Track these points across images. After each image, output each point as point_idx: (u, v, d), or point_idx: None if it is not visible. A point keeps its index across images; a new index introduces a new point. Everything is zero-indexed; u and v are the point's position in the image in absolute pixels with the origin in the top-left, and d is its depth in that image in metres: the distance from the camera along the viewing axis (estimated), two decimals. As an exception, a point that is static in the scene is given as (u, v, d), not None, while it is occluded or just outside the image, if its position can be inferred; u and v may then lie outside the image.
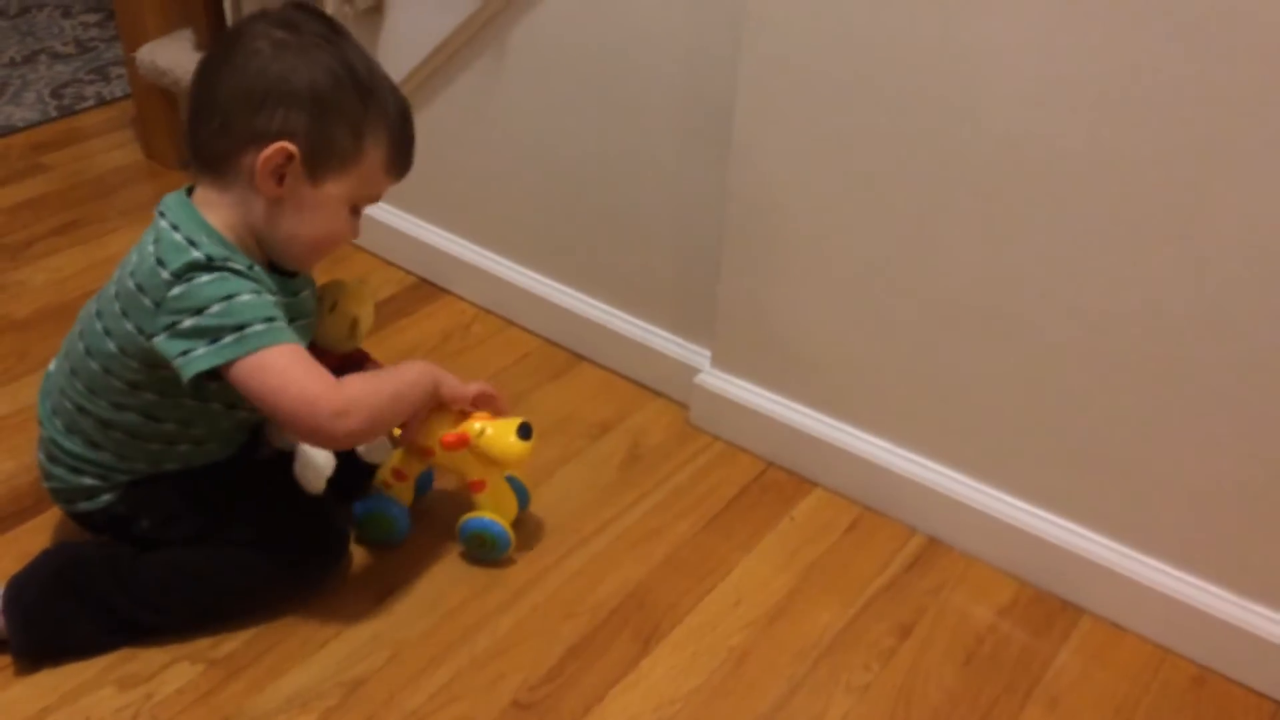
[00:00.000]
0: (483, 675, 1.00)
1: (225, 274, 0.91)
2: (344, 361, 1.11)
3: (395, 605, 1.06)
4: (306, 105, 0.91)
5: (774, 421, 1.23)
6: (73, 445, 1.00)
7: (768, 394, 1.24)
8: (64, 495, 1.02)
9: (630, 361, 1.36)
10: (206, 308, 0.89)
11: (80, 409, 0.99)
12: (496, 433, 1.05)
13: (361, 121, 0.94)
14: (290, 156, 0.91)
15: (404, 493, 1.12)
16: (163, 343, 0.90)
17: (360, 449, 1.07)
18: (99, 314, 0.97)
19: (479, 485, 1.08)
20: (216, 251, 0.91)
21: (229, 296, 0.89)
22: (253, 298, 0.90)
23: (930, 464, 1.16)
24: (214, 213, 0.94)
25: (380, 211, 1.54)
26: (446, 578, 1.09)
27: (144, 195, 1.69)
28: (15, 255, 1.53)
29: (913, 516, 1.18)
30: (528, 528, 1.15)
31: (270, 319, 0.90)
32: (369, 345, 1.16)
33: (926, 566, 1.14)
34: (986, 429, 1.10)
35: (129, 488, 1.01)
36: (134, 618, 0.99)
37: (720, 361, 1.27)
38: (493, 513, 1.08)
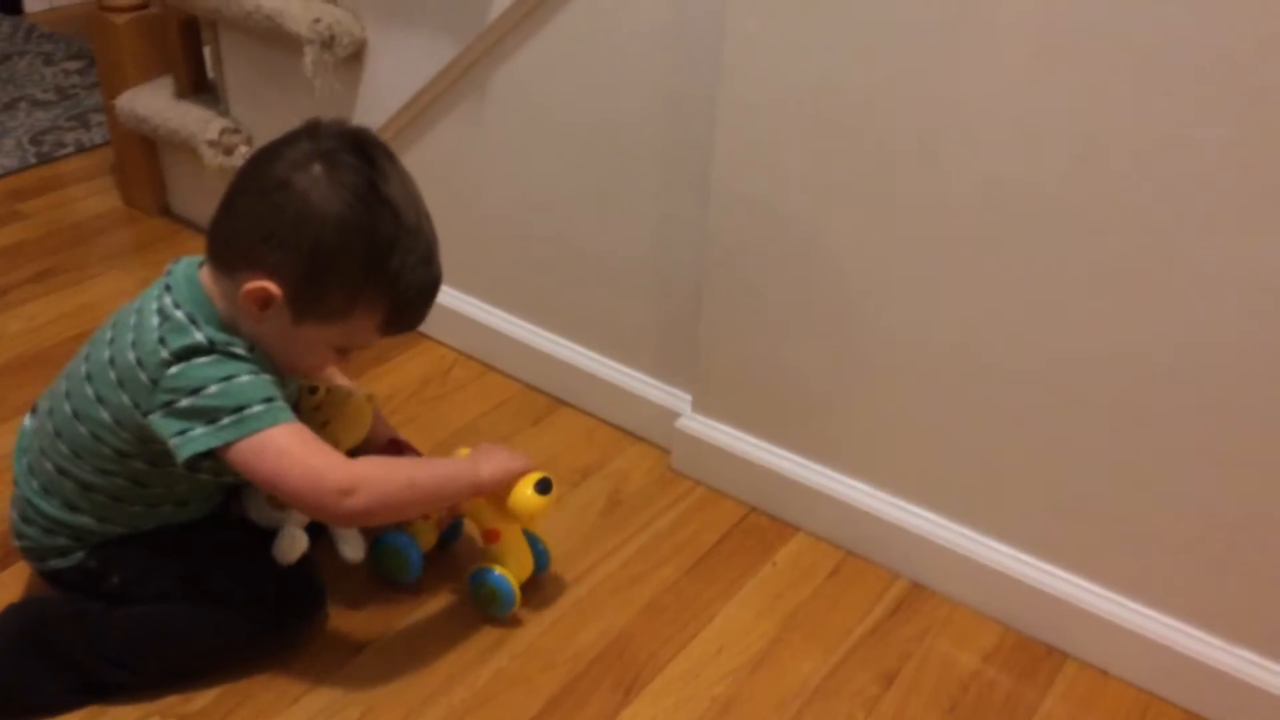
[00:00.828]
0: (460, 728, 0.99)
1: (224, 357, 0.90)
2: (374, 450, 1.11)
3: (370, 658, 1.04)
4: (304, 257, 0.88)
5: (756, 466, 1.22)
6: (49, 506, 0.98)
7: (749, 438, 1.23)
8: (35, 554, 1.01)
9: (611, 406, 1.35)
10: (204, 388, 0.88)
11: (61, 470, 0.97)
12: (514, 484, 1.03)
13: (359, 288, 0.90)
14: (272, 298, 0.89)
15: (425, 533, 1.10)
16: (158, 420, 0.89)
17: (338, 543, 1.06)
18: (89, 377, 0.95)
19: (493, 535, 1.06)
20: (218, 336, 0.91)
21: (227, 378, 0.89)
22: (251, 379, 0.90)
23: (913, 508, 1.15)
24: (217, 298, 0.93)
25: (360, 257, 1.53)
26: (423, 629, 1.08)
27: (122, 242, 1.69)
28: (-8, 304, 1.52)
29: (896, 561, 1.17)
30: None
31: (269, 399, 0.90)
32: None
33: (910, 612, 1.13)
34: (970, 473, 1.10)
35: (101, 545, 0.99)
36: (102, 676, 0.97)
37: (701, 406, 1.26)
38: (503, 567, 1.06)
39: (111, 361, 0.93)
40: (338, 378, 1.11)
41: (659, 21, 1.12)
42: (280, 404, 0.91)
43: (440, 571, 1.13)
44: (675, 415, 1.28)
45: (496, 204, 1.37)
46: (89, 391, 0.94)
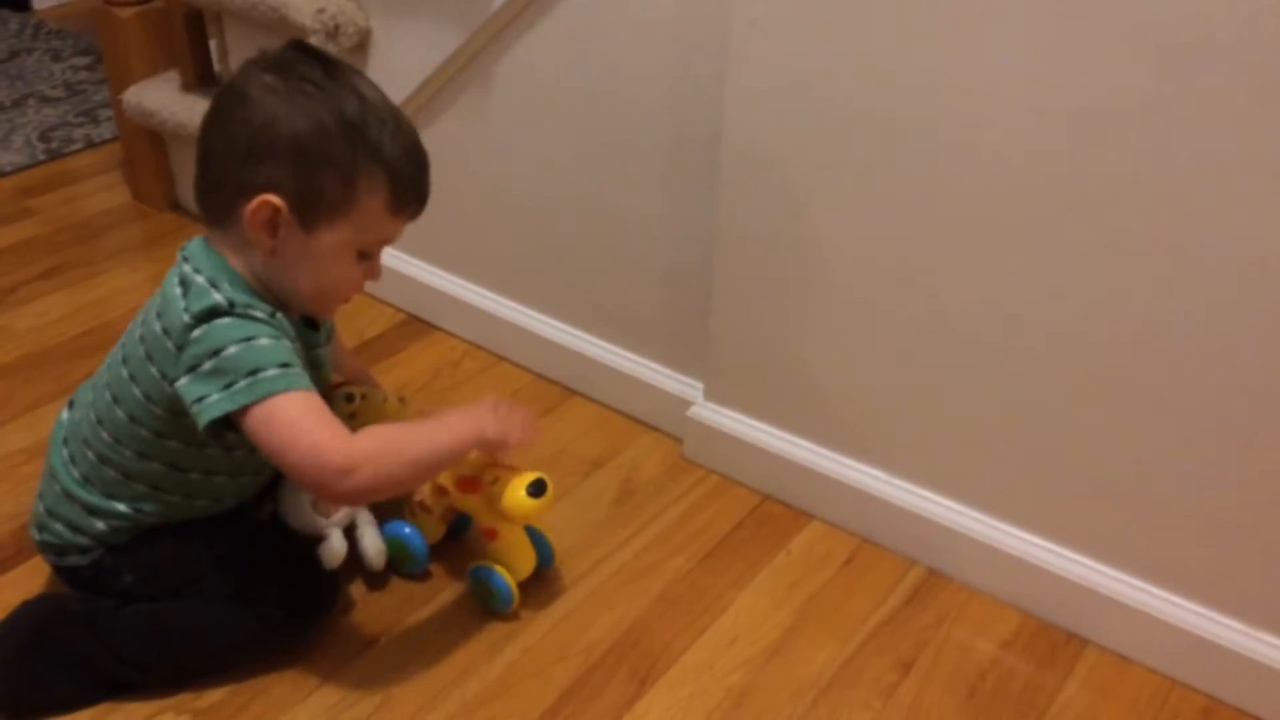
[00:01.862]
0: (474, 721, 0.98)
1: (245, 319, 0.89)
2: None
3: (383, 650, 1.04)
4: (289, 156, 0.88)
5: (769, 454, 1.21)
6: (88, 496, 0.98)
7: (762, 426, 1.22)
8: (55, 549, 1.00)
9: (622, 395, 1.34)
10: (223, 349, 0.88)
11: (103, 459, 0.97)
12: (507, 484, 1.01)
13: (352, 167, 0.89)
14: (276, 210, 0.89)
15: (430, 526, 1.10)
16: (184, 386, 0.89)
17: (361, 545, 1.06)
18: (125, 360, 0.95)
19: (490, 533, 1.05)
20: (239, 297, 0.90)
21: (247, 339, 0.88)
22: (270, 342, 0.89)
23: (929, 495, 1.14)
24: (231, 257, 0.93)
25: (368, 249, 1.52)
26: (436, 621, 1.07)
27: (132, 237, 1.68)
28: (2, 300, 1.51)
29: (912, 548, 1.16)
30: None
31: (285, 364, 0.89)
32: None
33: (927, 599, 1.12)
34: (986, 459, 1.08)
35: (120, 546, 0.99)
36: (115, 674, 0.97)
37: (713, 394, 1.25)
38: (502, 565, 1.05)
39: (141, 339, 0.93)
40: (366, 382, 1.11)
41: (665, 7, 1.11)
42: (296, 370, 0.89)
43: (452, 564, 1.13)
44: (687, 404, 1.27)
45: (505, 194, 1.36)
46: (124, 373, 0.95)
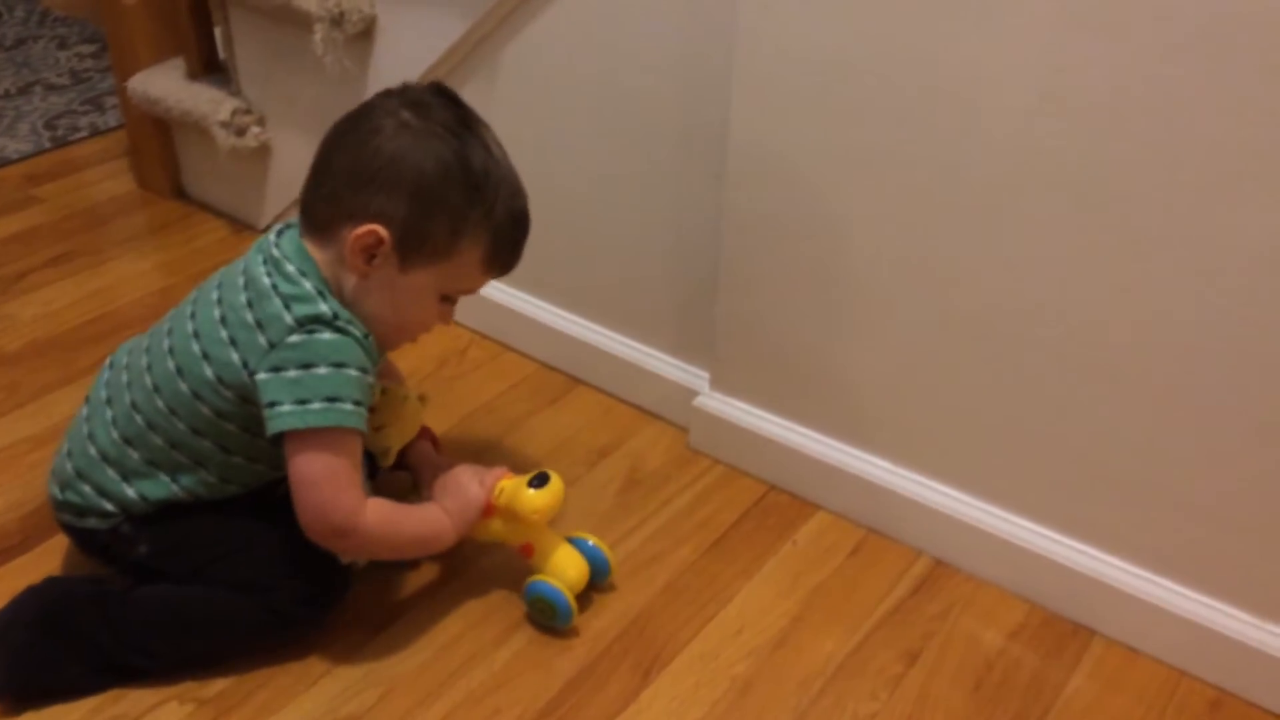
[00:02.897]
0: (479, 710, 0.98)
1: (347, 339, 0.91)
2: None
3: (389, 639, 1.04)
4: (408, 193, 0.90)
5: (775, 444, 1.21)
6: (126, 459, 0.98)
7: (768, 415, 1.22)
8: (75, 510, 1.00)
9: (628, 385, 1.34)
10: (315, 365, 0.90)
11: (152, 425, 0.97)
12: (512, 489, 1.02)
13: (462, 219, 0.93)
14: (380, 241, 0.91)
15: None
16: (264, 383, 0.91)
17: None
18: (196, 335, 0.95)
19: (527, 550, 1.04)
20: (341, 311, 0.93)
21: (340, 365, 0.91)
22: (357, 375, 0.92)
23: (935, 485, 1.13)
24: (323, 267, 0.95)
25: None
26: (440, 610, 1.07)
27: (138, 225, 1.68)
28: (6, 288, 1.51)
29: (918, 539, 1.15)
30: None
31: (359, 403, 0.91)
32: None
33: (933, 590, 1.11)
34: (993, 448, 1.08)
35: (141, 516, 0.99)
36: (121, 659, 0.97)
37: (719, 383, 1.24)
38: (551, 576, 1.03)
39: (223, 320, 0.94)
40: (392, 377, 1.12)
41: (672, -9, 1.10)
42: (363, 411, 0.92)
43: (457, 553, 1.12)
44: (693, 393, 1.27)
45: (510, 181, 1.35)
46: (195, 348, 0.95)
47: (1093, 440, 1.02)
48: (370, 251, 0.92)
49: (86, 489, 0.99)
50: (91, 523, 1.00)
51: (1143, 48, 0.85)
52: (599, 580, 1.07)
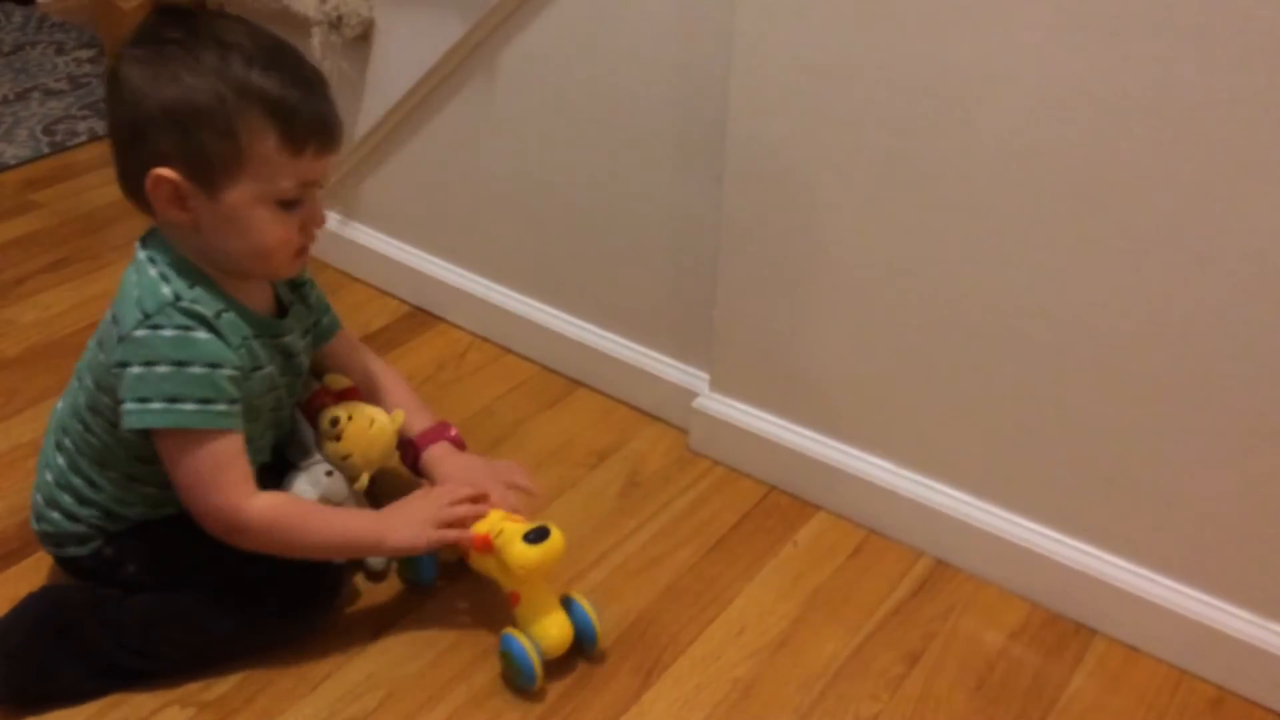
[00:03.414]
0: (480, 714, 0.98)
1: (189, 331, 0.88)
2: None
3: (390, 643, 1.04)
4: (164, 124, 0.86)
5: (775, 445, 1.21)
6: (78, 482, 0.98)
7: (768, 417, 1.22)
8: (54, 540, 1.01)
9: (628, 387, 1.34)
10: (156, 364, 0.88)
11: (78, 449, 0.97)
12: (509, 534, 0.96)
13: (224, 117, 0.86)
14: (170, 181, 0.87)
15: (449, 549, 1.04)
16: (116, 377, 0.90)
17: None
18: (92, 348, 0.96)
19: (514, 598, 0.98)
20: (187, 291, 0.90)
21: (180, 364, 0.88)
22: (201, 371, 0.88)
23: (936, 485, 1.13)
24: (179, 246, 0.92)
25: (372, 239, 1.52)
26: (442, 613, 1.07)
27: (136, 231, 1.64)
28: (5, 293, 1.51)
29: (919, 539, 1.15)
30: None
31: (206, 400, 0.89)
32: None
33: (934, 590, 1.11)
34: (993, 448, 1.08)
35: (119, 534, 0.99)
36: (121, 663, 0.97)
37: (719, 385, 1.24)
38: (524, 635, 0.97)
39: (100, 326, 0.94)
40: (362, 406, 1.09)
41: (670, -7, 1.10)
42: (219, 409, 0.89)
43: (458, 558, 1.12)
44: (693, 395, 1.27)
45: (509, 185, 1.35)
46: (87, 359, 0.96)
47: (1093, 440, 1.02)
48: (175, 197, 0.88)
49: (56, 516, 0.99)
50: (72, 550, 1.00)
51: (1141, 50, 0.85)
52: (585, 646, 1.01)
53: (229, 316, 0.92)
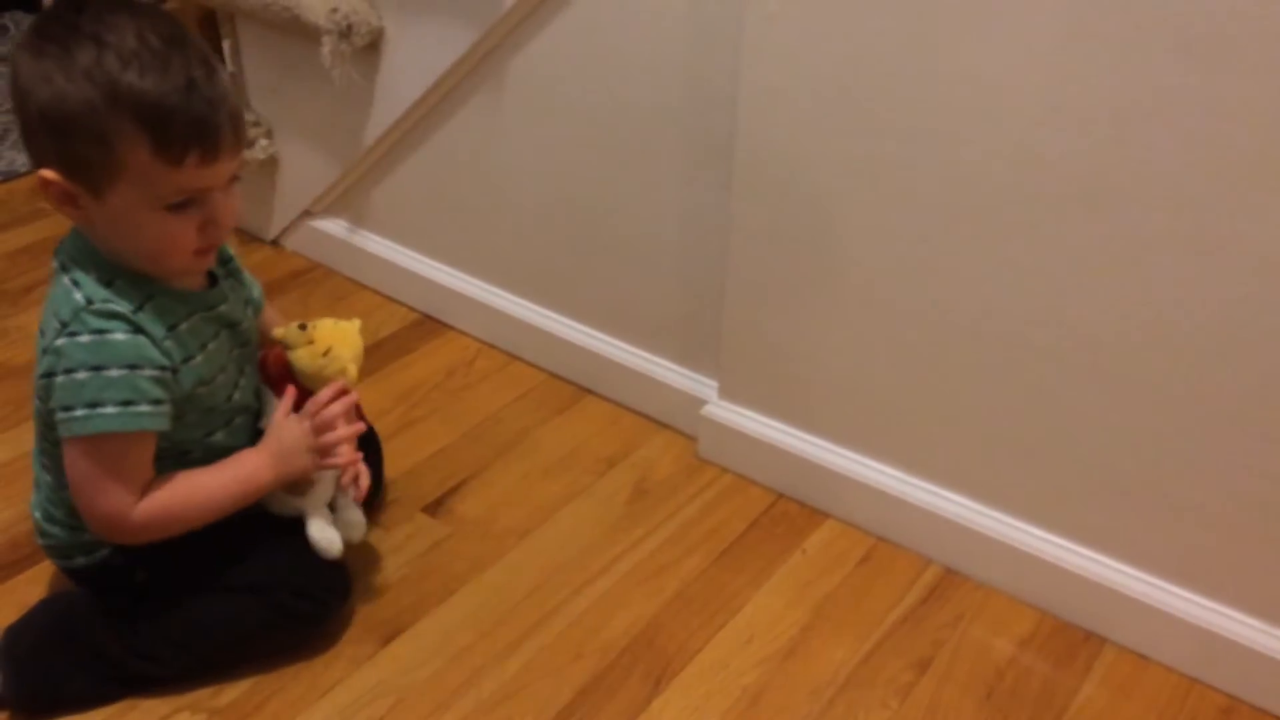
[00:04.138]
0: (490, 720, 0.98)
1: (105, 335, 0.86)
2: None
3: (399, 649, 1.04)
4: (41, 127, 0.83)
5: (784, 452, 1.21)
6: (67, 495, 0.96)
7: (777, 424, 1.22)
8: (60, 551, 1.00)
9: (636, 394, 1.34)
10: (75, 370, 0.87)
11: (55, 464, 0.95)
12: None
13: (98, 123, 0.81)
14: (54, 183, 0.85)
15: None
16: (46, 389, 0.89)
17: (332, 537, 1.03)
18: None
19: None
20: (98, 292, 0.88)
21: (97, 368, 0.86)
22: (120, 374, 0.87)
23: (945, 493, 1.13)
24: (94, 242, 0.90)
25: (381, 247, 1.53)
26: (452, 620, 1.07)
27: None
28: (15, 301, 1.52)
29: (928, 547, 1.15)
30: (534, 566, 1.13)
31: (127, 402, 0.87)
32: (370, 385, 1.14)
33: (943, 598, 1.11)
34: (1003, 456, 1.08)
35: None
36: (131, 669, 0.97)
37: (728, 392, 1.25)
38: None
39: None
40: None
41: (679, 4, 1.11)
42: (134, 410, 0.87)
43: (473, 561, 1.13)
44: (701, 402, 1.27)
45: (518, 192, 1.35)
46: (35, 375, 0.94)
47: (1102, 447, 1.02)
48: (65, 198, 0.85)
49: (57, 530, 0.99)
50: (79, 561, 1.00)
51: (1148, 56, 0.85)
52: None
53: (156, 304, 0.90)
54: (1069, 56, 0.89)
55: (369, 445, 1.18)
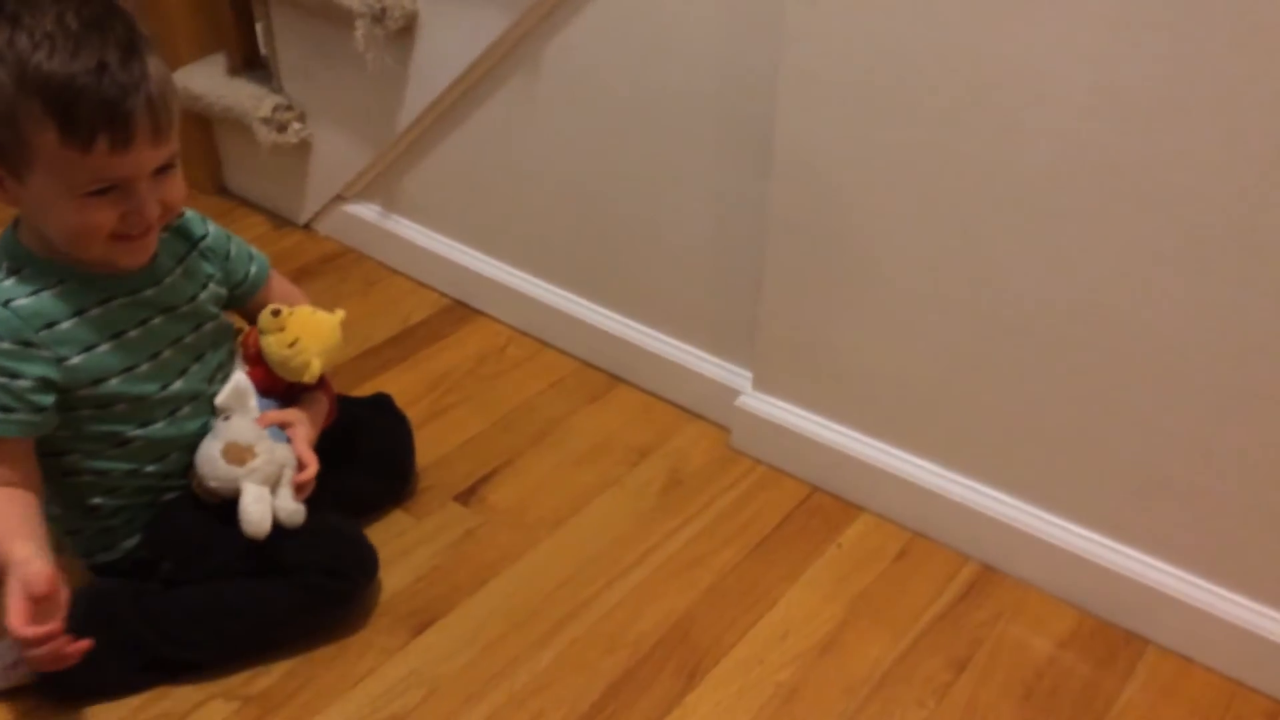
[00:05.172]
0: (522, 712, 0.97)
1: None
2: (293, 387, 1.06)
3: (432, 640, 1.03)
4: None
5: (819, 444, 1.19)
6: (67, 498, 0.98)
7: (812, 416, 1.20)
8: (82, 550, 1.01)
9: (669, 384, 1.33)
10: None
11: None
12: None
13: (8, 108, 0.80)
14: None
15: None
16: None
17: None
18: None
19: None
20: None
21: None
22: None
23: (983, 488, 1.11)
24: (21, 222, 0.89)
25: (413, 232, 1.52)
26: (483, 611, 1.06)
27: (178, 221, 1.68)
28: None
29: (965, 543, 1.13)
30: (566, 557, 1.12)
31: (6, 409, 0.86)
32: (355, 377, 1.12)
33: (981, 596, 1.09)
34: (1042, 451, 1.06)
35: (148, 530, 0.99)
36: (165, 656, 0.97)
37: (762, 383, 1.23)
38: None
39: None
40: (303, 305, 1.05)
41: (718, -13, 1.09)
42: (19, 419, 0.86)
43: (505, 550, 1.12)
44: (735, 393, 1.25)
45: (551, 179, 1.34)
46: None
47: (1145, 444, 0.99)
48: None
49: (70, 539, 0.99)
50: (101, 558, 1.00)
51: (1195, 42, 0.83)
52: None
53: (64, 288, 0.88)
54: (1118, 43, 0.86)
55: (398, 429, 1.18)
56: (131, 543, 0.99)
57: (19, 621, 0.82)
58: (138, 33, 0.84)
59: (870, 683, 1.01)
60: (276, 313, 1.02)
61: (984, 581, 1.11)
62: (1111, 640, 1.05)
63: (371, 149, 1.48)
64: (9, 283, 0.89)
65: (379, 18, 1.30)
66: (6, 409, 0.87)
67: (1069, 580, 1.08)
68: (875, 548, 1.15)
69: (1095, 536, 1.06)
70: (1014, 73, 0.92)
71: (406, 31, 1.34)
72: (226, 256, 1.03)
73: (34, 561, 0.83)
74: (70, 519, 0.99)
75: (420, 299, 1.51)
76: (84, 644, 0.85)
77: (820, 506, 1.19)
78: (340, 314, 1.05)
